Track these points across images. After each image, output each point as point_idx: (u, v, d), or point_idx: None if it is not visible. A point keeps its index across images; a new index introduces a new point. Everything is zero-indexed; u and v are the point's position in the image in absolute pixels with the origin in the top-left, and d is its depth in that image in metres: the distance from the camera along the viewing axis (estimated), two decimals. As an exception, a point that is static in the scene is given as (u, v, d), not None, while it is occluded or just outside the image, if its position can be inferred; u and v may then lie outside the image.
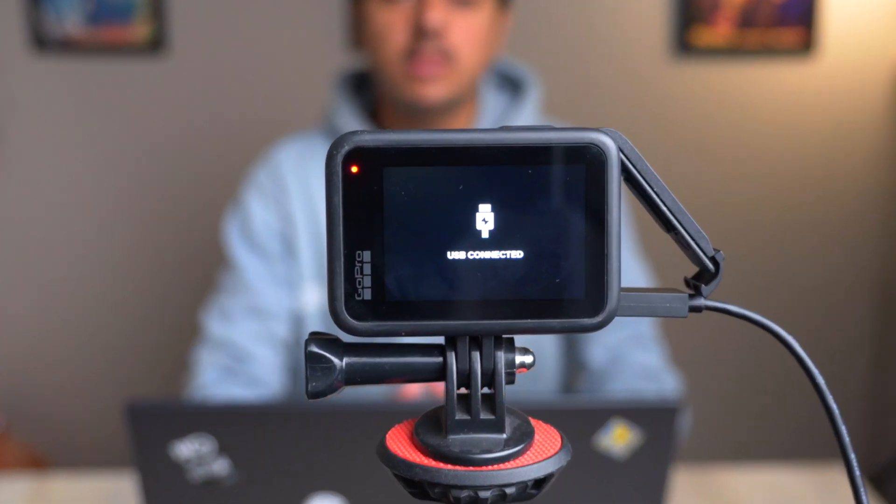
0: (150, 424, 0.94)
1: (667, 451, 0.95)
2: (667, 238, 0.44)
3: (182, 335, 2.30)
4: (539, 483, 0.42)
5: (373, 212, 0.40)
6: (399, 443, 0.43)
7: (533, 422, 0.44)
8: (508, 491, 0.41)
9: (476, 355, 0.42)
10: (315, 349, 0.42)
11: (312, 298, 1.30)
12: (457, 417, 0.42)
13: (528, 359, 0.43)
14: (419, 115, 1.26)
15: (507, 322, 0.41)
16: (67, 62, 2.22)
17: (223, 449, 0.94)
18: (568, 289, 0.40)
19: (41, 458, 2.18)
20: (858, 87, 2.30)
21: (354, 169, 0.39)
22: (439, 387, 1.12)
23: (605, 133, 0.40)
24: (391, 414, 0.92)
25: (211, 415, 0.96)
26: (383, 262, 0.40)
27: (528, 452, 0.42)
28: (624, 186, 0.42)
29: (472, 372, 0.42)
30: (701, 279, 0.44)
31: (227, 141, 2.27)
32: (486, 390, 0.43)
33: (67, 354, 2.37)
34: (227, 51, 2.24)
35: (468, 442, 0.42)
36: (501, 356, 0.42)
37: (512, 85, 1.36)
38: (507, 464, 0.41)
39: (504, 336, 0.42)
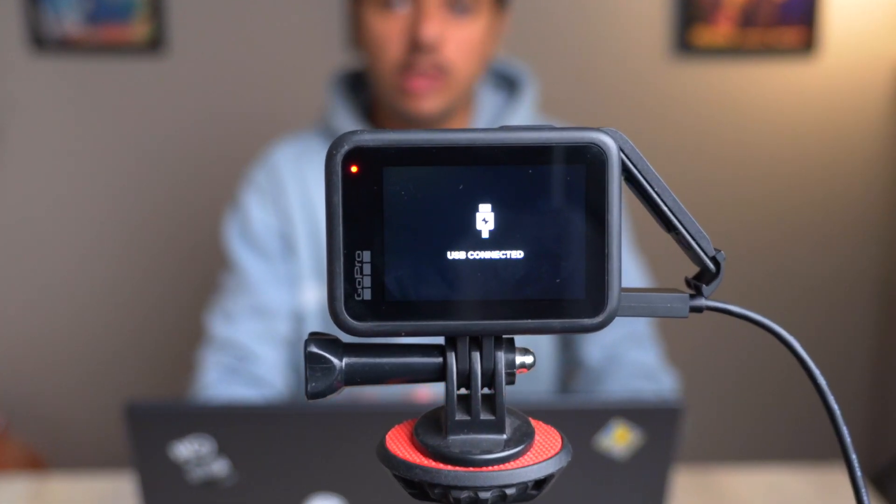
0: (149, 425, 0.94)
1: (667, 451, 0.95)
2: (667, 238, 0.44)
3: (181, 335, 2.30)
4: (539, 484, 0.42)
5: (372, 212, 0.39)
6: (399, 443, 0.43)
7: (533, 422, 0.44)
8: (509, 492, 0.41)
9: (476, 356, 0.42)
10: (314, 349, 0.42)
11: (312, 296, 1.30)
12: (457, 418, 0.42)
13: (529, 359, 0.43)
14: (413, 122, 1.26)
15: (508, 322, 0.40)
16: (66, 62, 2.22)
17: (222, 449, 0.94)
18: (568, 289, 0.40)
19: (41, 458, 2.18)
20: (859, 87, 2.30)
21: (354, 169, 0.39)
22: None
23: (606, 133, 0.40)
24: (391, 414, 0.92)
25: (210, 415, 0.96)
26: (383, 262, 0.40)
27: (528, 453, 0.42)
28: (624, 186, 0.41)
29: (473, 372, 0.42)
30: (702, 279, 0.44)
31: (226, 141, 2.27)
32: (486, 391, 0.43)
33: (67, 355, 2.37)
34: (227, 50, 2.24)
35: (468, 442, 0.42)
36: (502, 356, 0.42)
37: (508, 83, 1.36)
38: (507, 464, 0.41)
39: (504, 336, 0.42)
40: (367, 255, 0.40)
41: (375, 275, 0.40)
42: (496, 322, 0.40)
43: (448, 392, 0.42)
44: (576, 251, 0.40)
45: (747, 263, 2.35)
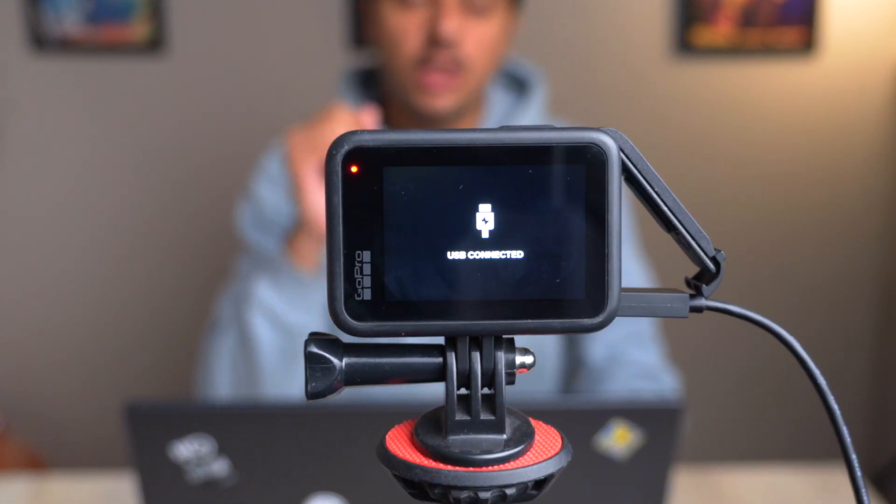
0: (149, 425, 0.94)
1: (668, 451, 0.95)
2: (667, 238, 0.44)
3: (182, 335, 2.30)
4: (539, 484, 0.42)
5: (372, 212, 0.39)
6: (399, 443, 0.43)
7: (533, 422, 0.44)
8: (509, 492, 0.41)
9: (476, 356, 0.42)
10: (314, 349, 0.42)
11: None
12: (457, 418, 0.42)
13: (529, 359, 0.43)
14: (426, 118, 1.26)
15: (508, 322, 0.40)
16: (66, 62, 2.22)
17: (222, 449, 0.94)
18: (568, 289, 0.40)
19: (40, 458, 2.18)
20: (859, 87, 2.30)
21: (354, 169, 0.39)
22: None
23: (606, 133, 0.40)
24: (391, 414, 0.92)
25: (210, 415, 0.96)
26: (383, 262, 0.40)
27: (528, 453, 0.42)
28: (624, 186, 0.42)
29: (473, 372, 0.42)
30: (702, 279, 0.44)
31: (226, 140, 2.27)
32: (486, 391, 0.43)
33: (67, 355, 2.37)
34: (227, 50, 2.24)
35: (468, 442, 0.42)
36: (502, 356, 0.42)
37: (518, 84, 1.36)
38: (507, 464, 0.41)
39: (504, 336, 0.42)
40: (367, 255, 0.40)
41: (375, 275, 0.40)
42: (496, 322, 0.40)
43: (448, 392, 0.42)
44: (576, 251, 0.40)
45: (747, 263, 2.35)
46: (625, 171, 0.41)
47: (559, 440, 0.43)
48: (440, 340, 0.42)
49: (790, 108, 2.31)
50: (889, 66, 2.29)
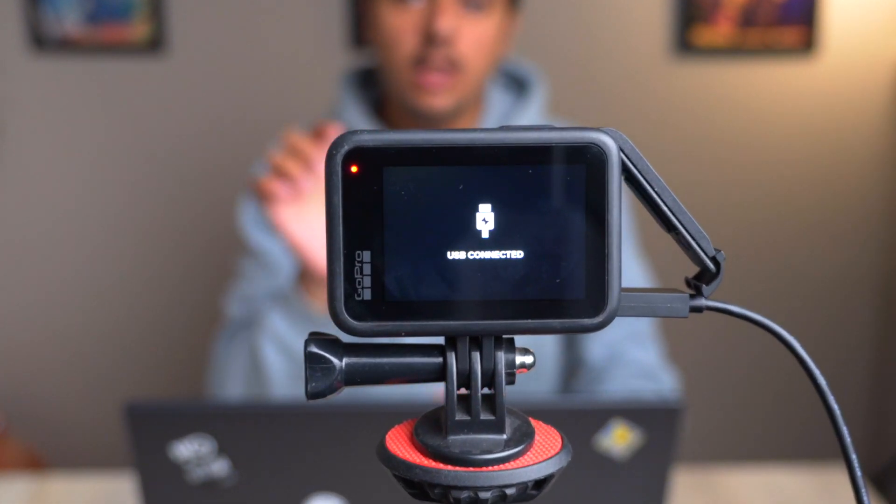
0: (149, 425, 0.94)
1: (667, 451, 0.95)
2: (667, 238, 0.44)
3: (182, 335, 2.30)
4: (539, 484, 0.42)
5: (372, 212, 0.39)
6: (399, 443, 0.43)
7: (533, 422, 0.44)
8: (509, 492, 0.41)
9: (476, 356, 0.42)
10: (314, 349, 0.42)
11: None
12: (457, 418, 0.42)
13: (529, 359, 0.43)
14: (424, 118, 1.26)
15: (508, 322, 0.40)
16: (66, 62, 2.22)
17: (223, 449, 0.94)
18: (568, 289, 0.40)
19: (40, 458, 2.18)
20: (860, 87, 2.30)
21: (354, 169, 0.39)
22: None
23: (606, 133, 0.40)
24: (391, 414, 0.92)
25: (210, 415, 0.96)
26: (383, 262, 0.40)
27: (528, 453, 0.42)
28: (624, 186, 0.42)
29: (473, 372, 0.42)
30: (702, 279, 0.44)
31: (226, 141, 2.27)
32: (486, 391, 0.43)
33: (67, 355, 2.37)
34: (227, 50, 2.24)
35: (468, 442, 0.42)
36: (502, 356, 0.42)
37: (517, 84, 1.36)
38: (507, 464, 0.41)
39: (504, 336, 0.42)
40: (367, 255, 0.40)
41: (375, 275, 0.40)
42: (496, 322, 0.40)
43: (448, 392, 0.42)
44: (576, 251, 0.40)
45: (747, 263, 2.35)
46: (625, 171, 0.41)
47: (559, 440, 0.43)
48: (440, 340, 0.42)
49: (790, 108, 2.31)
50: (889, 66, 2.29)
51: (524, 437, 0.42)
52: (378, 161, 0.39)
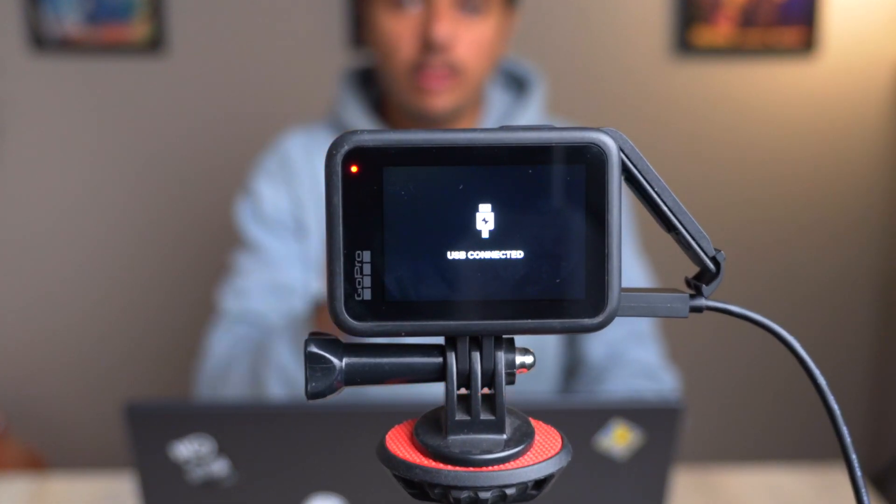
0: (149, 425, 0.94)
1: (667, 451, 0.95)
2: (667, 238, 0.44)
3: (182, 336, 2.30)
4: (539, 484, 0.42)
5: (373, 212, 0.39)
6: (399, 443, 0.43)
7: (533, 422, 0.44)
8: (509, 492, 0.41)
9: (476, 356, 0.42)
10: (314, 349, 0.42)
11: (320, 287, 1.30)
12: (457, 418, 0.42)
13: (529, 359, 0.43)
14: (424, 119, 1.27)
15: (508, 322, 0.40)
16: (66, 62, 2.22)
17: (222, 449, 0.94)
18: (568, 289, 0.40)
19: (40, 458, 2.18)
20: (859, 87, 2.30)
21: (354, 169, 0.39)
22: None
23: (606, 133, 0.40)
24: (391, 414, 0.92)
25: (210, 415, 0.96)
26: (383, 262, 0.40)
27: (528, 453, 0.42)
28: (624, 186, 0.41)
29: (473, 372, 0.42)
30: (702, 279, 0.44)
31: (226, 141, 2.27)
32: (486, 391, 0.43)
33: (67, 355, 2.37)
34: (227, 50, 2.24)
35: (468, 442, 0.42)
36: (502, 356, 0.42)
37: (517, 83, 1.36)
38: (507, 464, 0.41)
39: (504, 336, 0.42)
40: (367, 255, 0.40)
41: (375, 275, 0.40)
42: (496, 322, 0.40)
43: (448, 392, 0.42)
44: (576, 251, 0.40)
45: (748, 263, 2.35)
46: (625, 171, 0.41)
47: (559, 440, 0.43)
48: (440, 340, 0.42)
49: (790, 108, 2.31)
50: (889, 66, 2.29)
51: (524, 437, 0.42)
52: (378, 161, 0.39)
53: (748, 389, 2.45)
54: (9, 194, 2.29)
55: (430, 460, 0.42)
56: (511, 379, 0.42)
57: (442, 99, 1.23)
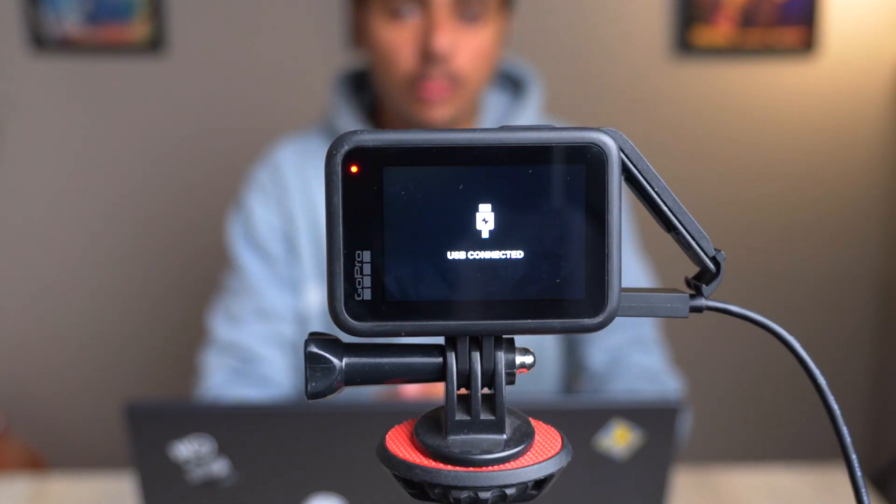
0: (149, 425, 0.94)
1: (667, 451, 0.95)
2: (667, 238, 0.44)
3: (182, 336, 2.30)
4: (539, 484, 0.42)
5: (372, 212, 0.39)
6: (399, 443, 0.43)
7: (533, 422, 0.44)
8: (509, 492, 0.41)
9: (476, 356, 0.42)
10: (314, 349, 0.42)
11: (315, 298, 1.30)
12: (457, 418, 0.42)
13: (529, 359, 0.43)
14: (421, 126, 1.26)
15: (508, 322, 0.40)
16: (66, 62, 2.22)
17: (222, 449, 0.94)
18: (568, 289, 0.40)
19: (41, 458, 2.18)
20: (860, 87, 2.30)
21: (354, 169, 0.39)
22: (438, 387, 1.11)
23: (606, 133, 0.40)
24: (391, 414, 0.92)
25: (210, 415, 0.96)
26: (383, 263, 0.40)
27: (528, 453, 0.42)
28: (624, 186, 0.41)
29: (473, 372, 0.42)
30: (702, 279, 0.44)
31: (226, 141, 2.27)
32: (486, 391, 0.43)
33: (67, 355, 2.37)
34: (227, 50, 2.24)
35: (468, 442, 0.42)
36: (502, 356, 0.42)
37: (514, 84, 1.36)
38: (507, 464, 0.41)
39: (504, 336, 0.42)
40: (367, 256, 0.40)
41: (375, 275, 0.40)
42: (496, 322, 0.40)
43: (448, 392, 0.42)
44: (576, 251, 0.40)
45: (748, 263, 2.35)
46: (625, 171, 0.41)
47: (559, 440, 0.43)
48: (440, 340, 0.42)
49: (790, 108, 2.31)
50: (889, 66, 2.29)
51: (524, 437, 0.42)
52: (378, 161, 0.39)
53: (748, 389, 2.45)
54: (9, 194, 2.29)
55: (430, 460, 0.42)
56: (511, 379, 0.42)
57: (442, 109, 1.22)
